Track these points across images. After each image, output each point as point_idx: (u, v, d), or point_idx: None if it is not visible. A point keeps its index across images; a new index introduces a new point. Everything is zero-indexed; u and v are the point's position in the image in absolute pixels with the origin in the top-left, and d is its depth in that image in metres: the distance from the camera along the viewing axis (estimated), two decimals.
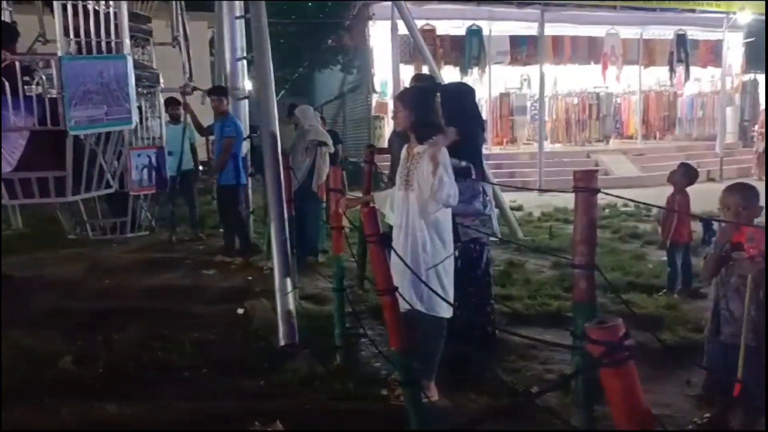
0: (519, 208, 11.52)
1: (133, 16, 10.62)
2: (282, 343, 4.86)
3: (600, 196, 2.69)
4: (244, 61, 8.35)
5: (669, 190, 6.36)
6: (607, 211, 10.82)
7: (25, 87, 4.93)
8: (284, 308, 4.92)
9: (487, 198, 4.69)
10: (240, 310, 5.95)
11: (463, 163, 4.33)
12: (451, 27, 16.85)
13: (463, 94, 4.81)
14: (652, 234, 8.28)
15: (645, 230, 9.13)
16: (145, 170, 7.52)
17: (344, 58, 18.93)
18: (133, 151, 7.42)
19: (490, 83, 17.37)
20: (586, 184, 2.69)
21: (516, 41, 17.31)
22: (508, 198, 10.57)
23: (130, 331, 5.27)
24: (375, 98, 17.09)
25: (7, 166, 4.99)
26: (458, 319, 4.14)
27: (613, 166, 16.51)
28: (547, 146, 16.99)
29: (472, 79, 16.34)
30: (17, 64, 4.81)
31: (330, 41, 19.10)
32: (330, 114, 20.25)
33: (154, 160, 7.59)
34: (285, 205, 5.15)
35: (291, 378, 4.26)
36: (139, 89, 8.09)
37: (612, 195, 3.15)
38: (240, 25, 8.22)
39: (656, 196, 6.01)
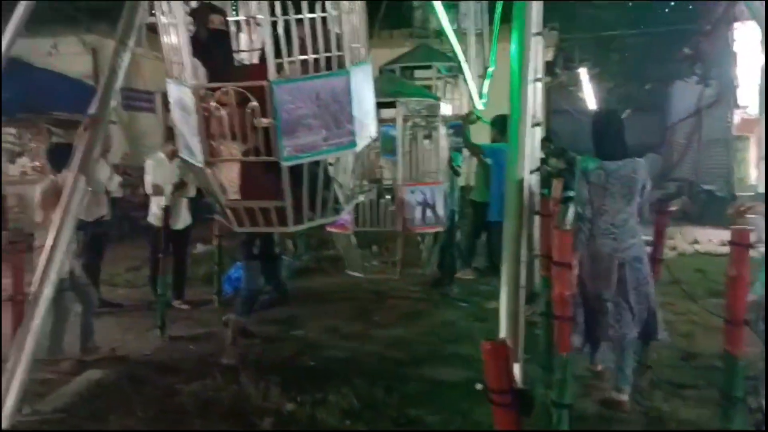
0: None
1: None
2: None
3: None
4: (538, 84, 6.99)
5: None
6: None
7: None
8: None
9: None
10: None
11: None
12: None
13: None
14: None
15: None
16: (419, 208, 6.70)
17: (702, 69, 16.03)
18: (407, 187, 6.74)
19: None
20: None
21: None
22: None
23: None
24: (739, 114, 14.08)
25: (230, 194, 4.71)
26: None
27: None
28: None
29: None
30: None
31: (685, 49, 16.39)
32: (683, 133, 17.39)
33: (429, 197, 6.73)
34: None
35: None
36: (417, 119, 7.39)
37: None
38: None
39: None
